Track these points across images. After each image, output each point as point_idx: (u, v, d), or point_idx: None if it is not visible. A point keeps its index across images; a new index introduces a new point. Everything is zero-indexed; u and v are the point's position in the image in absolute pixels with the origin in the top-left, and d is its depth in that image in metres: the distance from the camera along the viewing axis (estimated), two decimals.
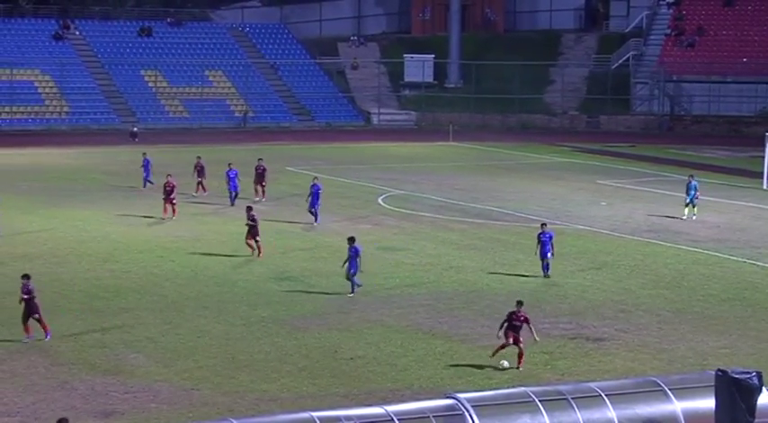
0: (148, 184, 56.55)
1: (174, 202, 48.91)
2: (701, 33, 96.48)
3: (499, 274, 39.40)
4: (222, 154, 65.37)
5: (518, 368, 28.63)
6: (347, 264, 36.08)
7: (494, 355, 28.93)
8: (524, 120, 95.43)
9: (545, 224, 40.23)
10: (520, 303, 29.43)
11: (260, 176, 53.72)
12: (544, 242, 39.04)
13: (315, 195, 48.19)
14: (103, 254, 41.57)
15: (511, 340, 28.72)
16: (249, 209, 42.47)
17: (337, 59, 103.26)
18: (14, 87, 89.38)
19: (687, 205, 50.94)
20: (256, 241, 41.52)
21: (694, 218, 50.43)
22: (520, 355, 28.80)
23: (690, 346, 31.03)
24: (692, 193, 50.66)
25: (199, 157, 56.48)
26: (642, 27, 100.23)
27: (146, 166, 57.32)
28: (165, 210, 48.74)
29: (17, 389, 26.20)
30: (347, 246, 36.32)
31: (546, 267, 39.09)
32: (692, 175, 52.47)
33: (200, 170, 55.37)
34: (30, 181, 59.67)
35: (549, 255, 39.04)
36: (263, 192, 53.73)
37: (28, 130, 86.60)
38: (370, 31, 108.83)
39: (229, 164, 53.82)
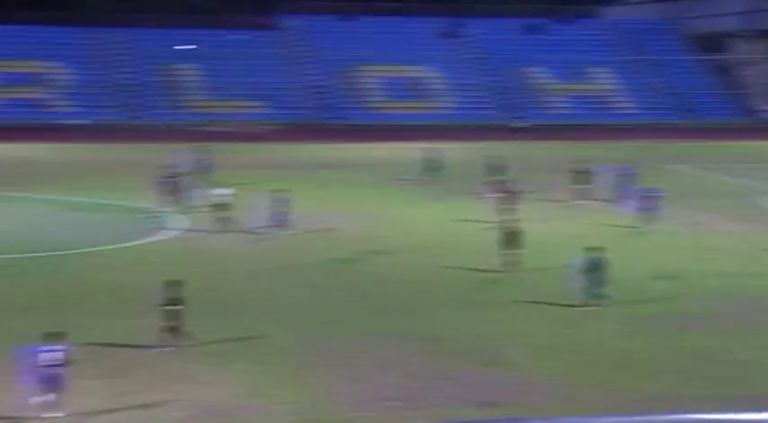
0: None
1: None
2: None
3: None
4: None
5: None
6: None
7: None
8: None
9: None
10: None
11: None
12: None
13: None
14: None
15: None
16: None
17: (725, 55, 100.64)
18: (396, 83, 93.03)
19: None
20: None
21: None
22: None
23: None
24: None
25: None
26: None
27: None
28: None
29: (398, 375, 27.03)
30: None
31: None
32: None
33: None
34: (414, 176, 60.08)
35: None
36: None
37: (417, 125, 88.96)
38: (764, 25, 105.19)
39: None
